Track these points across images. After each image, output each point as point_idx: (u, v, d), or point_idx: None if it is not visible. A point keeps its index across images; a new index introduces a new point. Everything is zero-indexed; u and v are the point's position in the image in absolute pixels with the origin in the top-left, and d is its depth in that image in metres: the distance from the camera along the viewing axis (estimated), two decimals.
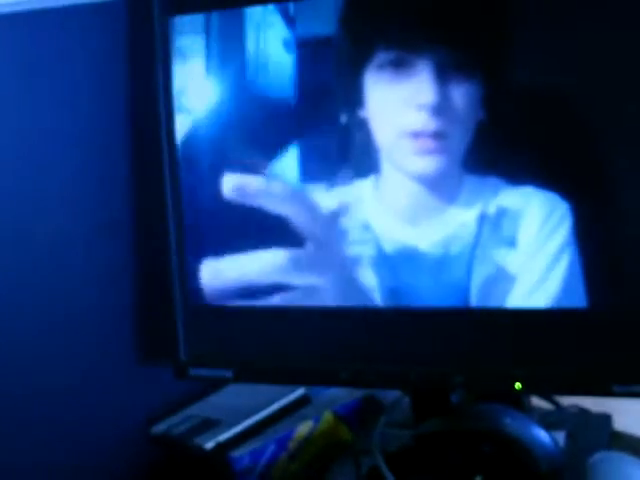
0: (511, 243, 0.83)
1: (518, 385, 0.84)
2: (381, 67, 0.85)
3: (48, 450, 0.95)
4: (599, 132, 0.79)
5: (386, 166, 0.87)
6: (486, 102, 0.82)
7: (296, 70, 0.88)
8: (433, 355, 0.87)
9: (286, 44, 0.88)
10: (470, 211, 0.84)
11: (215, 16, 0.91)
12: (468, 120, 0.83)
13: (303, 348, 0.92)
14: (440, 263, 0.85)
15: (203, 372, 0.97)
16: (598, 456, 0.87)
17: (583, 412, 0.98)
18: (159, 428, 1.05)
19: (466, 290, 0.85)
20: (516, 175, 0.82)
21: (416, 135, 0.84)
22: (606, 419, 0.97)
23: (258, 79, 0.89)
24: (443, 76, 0.83)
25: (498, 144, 0.83)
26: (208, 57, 0.92)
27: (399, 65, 0.84)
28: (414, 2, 0.85)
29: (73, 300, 0.96)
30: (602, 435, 0.95)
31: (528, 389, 0.86)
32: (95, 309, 0.98)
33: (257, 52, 0.89)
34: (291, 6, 0.88)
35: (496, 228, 0.83)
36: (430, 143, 0.84)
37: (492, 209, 0.83)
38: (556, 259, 0.81)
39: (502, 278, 0.83)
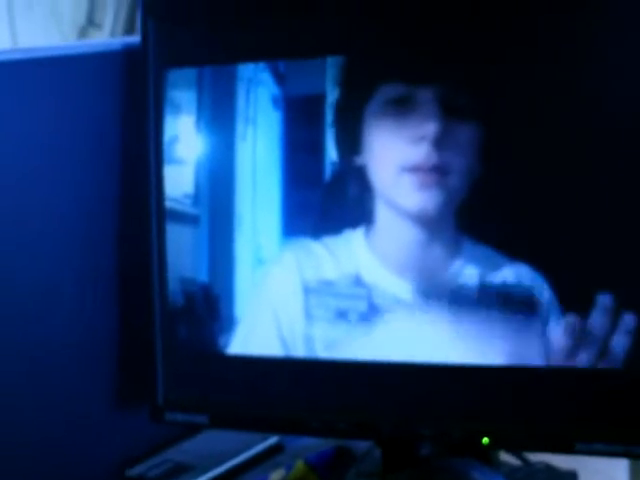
0: (523, 329, 0.84)
1: (485, 440, 0.86)
2: (383, 104, 0.87)
3: None
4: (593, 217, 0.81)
5: (382, 211, 0.89)
6: (485, 157, 0.84)
7: (284, 126, 0.91)
8: (402, 408, 0.89)
9: (275, 101, 0.91)
10: (469, 276, 0.85)
11: (207, 71, 0.94)
12: (467, 167, 0.84)
13: (277, 397, 0.94)
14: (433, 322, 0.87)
15: (179, 417, 0.98)
16: None
17: (550, 469, 1.00)
18: (134, 471, 1.05)
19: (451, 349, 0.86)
20: (509, 248, 0.84)
21: (416, 169, 0.85)
22: (572, 477, 0.99)
23: (246, 134, 0.92)
24: (447, 111, 0.84)
25: (492, 206, 0.84)
26: (199, 110, 0.95)
27: (402, 100, 0.85)
28: (419, 35, 0.86)
29: (55, 343, 0.97)
30: None
31: (495, 444, 0.88)
32: (76, 353, 0.99)
33: (247, 107, 0.92)
34: (281, 64, 0.91)
35: (506, 309, 0.84)
36: (429, 177, 0.84)
37: (495, 282, 0.84)
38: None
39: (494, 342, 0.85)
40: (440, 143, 0.84)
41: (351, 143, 0.88)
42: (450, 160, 0.84)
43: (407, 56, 0.87)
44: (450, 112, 0.84)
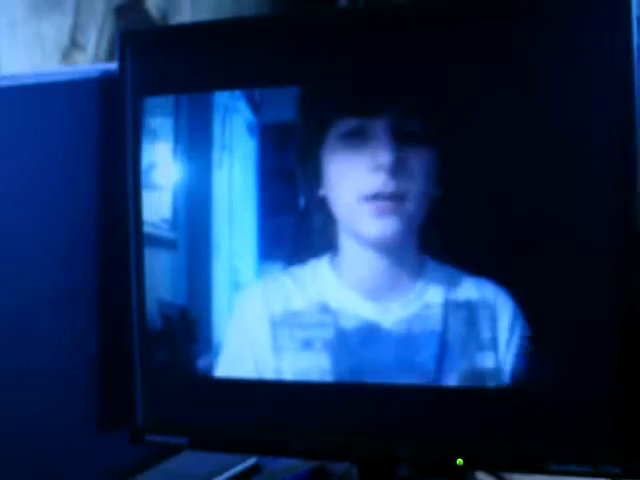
0: (492, 347, 0.86)
1: (460, 461, 0.87)
2: (339, 137, 0.89)
3: None
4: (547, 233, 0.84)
5: (345, 240, 0.91)
6: (441, 180, 0.86)
7: (259, 153, 0.93)
8: (378, 429, 0.90)
9: (250, 128, 0.93)
10: (434, 294, 0.87)
11: (184, 98, 0.96)
12: (424, 191, 0.86)
13: (256, 418, 0.95)
14: (402, 342, 0.88)
15: (159, 438, 0.99)
16: None
17: None
18: None
19: (427, 371, 0.88)
20: (471, 265, 0.86)
21: (374, 197, 0.87)
22: None
23: (223, 161, 0.94)
24: (399, 139, 0.86)
25: (451, 226, 0.87)
26: (176, 137, 0.96)
27: (356, 132, 0.88)
28: (364, 69, 0.89)
29: (33, 364, 0.97)
30: None
31: (469, 465, 0.89)
32: (55, 375, 0.99)
33: (223, 135, 0.94)
34: (257, 93, 0.93)
35: (472, 325, 0.86)
36: (386, 205, 0.87)
37: (459, 299, 0.86)
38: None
39: (473, 370, 0.87)
40: (396, 171, 0.86)
41: (313, 175, 0.90)
42: (407, 186, 0.87)
43: (356, 90, 0.89)
44: (403, 139, 0.87)
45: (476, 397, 0.87)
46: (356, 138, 0.88)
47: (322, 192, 0.91)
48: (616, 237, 0.81)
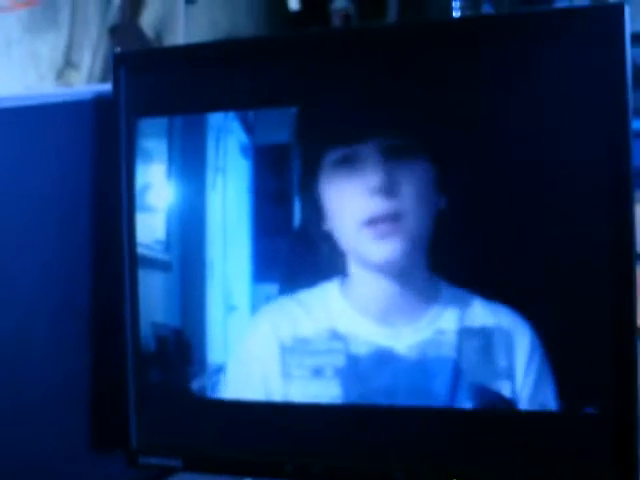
0: (509, 376, 0.85)
1: None
2: (332, 166, 0.89)
3: None
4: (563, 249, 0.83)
5: (354, 267, 0.90)
6: (443, 188, 0.86)
7: (253, 175, 0.93)
8: (374, 450, 0.90)
9: (244, 150, 0.93)
10: (448, 319, 0.86)
11: (178, 120, 0.96)
12: (427, 204, 0.86)
13: (251, 440, 0.95)
14: (414, 368, 0.87)
15: (153, 460, 0.99)
16: None
17: None
18: None
19: (440, 398, 0.87)
20: (487, 290, 0.85)
21: (372, 221, 0.87)
22: None
23: (217, 182, 0.94)
24: (389, 159, 0.86)
25: (461, 246, 0.86)
26: (170, 158, 0.96)
27: (348, 160, 0.88)
28: (349, 98, 0.89)
29: (27, 386, 0.97)
30: None
31: None
32: (49, 396, 0.99)
33: (217, 156, 0.94)
34: (250, 114, 0.93)
35: (487, 352, 0.85)
36: (385, 227, 0.86)
37: (474, 325, 0.85)
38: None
39: (485, 397, 0.86)
40: (389, 191, 0.86)
41: (315, 205, 0.90)
42: (403, 204, 0.86)
43: (345, 117, 0.89)
44: (392, 158, 0.86)
45: (470, 419, 0.86)
46: (348, 164, 0.88)
47: (326, 226, 0.90)
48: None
